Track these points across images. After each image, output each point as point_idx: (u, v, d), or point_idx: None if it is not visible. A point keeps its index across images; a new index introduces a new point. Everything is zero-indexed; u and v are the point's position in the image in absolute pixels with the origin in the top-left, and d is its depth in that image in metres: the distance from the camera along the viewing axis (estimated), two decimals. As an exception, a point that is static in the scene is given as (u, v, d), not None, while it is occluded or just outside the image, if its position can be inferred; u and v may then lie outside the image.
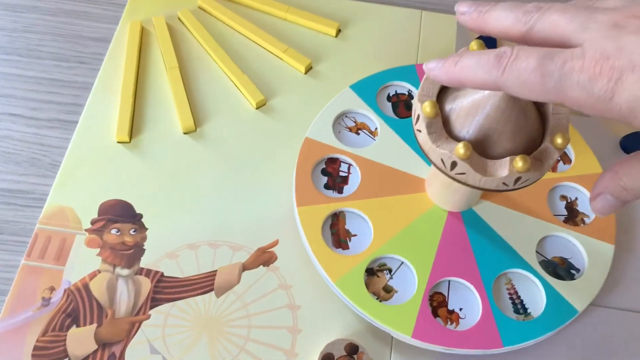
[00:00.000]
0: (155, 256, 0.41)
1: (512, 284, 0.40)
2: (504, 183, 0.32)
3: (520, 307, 0.39)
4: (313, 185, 0.43)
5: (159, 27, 0.52)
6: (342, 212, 0.42)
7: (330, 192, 0.43)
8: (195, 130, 0.47)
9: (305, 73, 0.50)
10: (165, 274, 0.41)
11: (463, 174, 0.32)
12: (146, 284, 0.40)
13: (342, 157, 0.44)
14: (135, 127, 0.47)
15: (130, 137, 0.47)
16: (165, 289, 0.40)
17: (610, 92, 0.24)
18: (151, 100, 0.49)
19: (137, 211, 0.43)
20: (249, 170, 0.45)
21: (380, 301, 0.39)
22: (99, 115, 0.48)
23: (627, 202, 0.30)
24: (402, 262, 0.40)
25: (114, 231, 0.42)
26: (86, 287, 0.40)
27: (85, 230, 0.42)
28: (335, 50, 0.52)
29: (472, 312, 0.39)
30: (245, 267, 0.41)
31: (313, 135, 0.45)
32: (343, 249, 0.41)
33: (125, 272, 0.41)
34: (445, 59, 0.29)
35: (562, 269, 0.41)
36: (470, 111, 0.32)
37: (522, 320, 0.38)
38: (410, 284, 0.40)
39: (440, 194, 0.41)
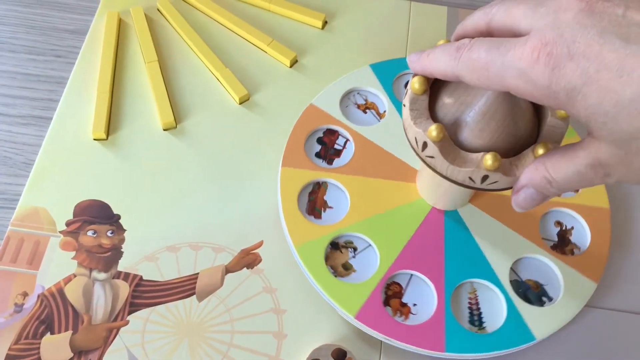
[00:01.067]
0: (133, 259, 0.40)
1: (475, 294, 0.39)
2: (470, 178, 0.31)
3: (476, 319, 0.38)
4: (304, 149, 0.42)
5: (137, 19, 0.50)
6: (325, 182, 0.42)
7: (319, 161, 0.43)
8: (176, 127, 0.46)
9: (291, 67, 0.49)
10: (145, 278, 0.39)
11: (432, 157, 0.31)
12: (124, 289, 0.39)
13: (341, 130, 0.44)
14: (112, 123, 0.45)
15: (107, 134, 0.45)
16: (145, 294, 0.39)
17: (547, 80, 0.24)
18: (129, 95, 0.47)
19: (115, 212, 0.42)
20: (232, 169, 0.44)
21: (335, 276, 0.38)
22: (74, 112, 0.46)
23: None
24: (370, 245, 0.39)
25: (90, 233, 0.40)
26: (61, 292, 0.38)
27: (60, 232, 0.40)
28: (322, 43, 0.50)
29: (425, 311, 0.37)
30: (228, 270, 0.40)
31: (319, 103, 0.44)
32: (315, 218, 0.40)
33: (102, 276, 0.39)
34: (424, 51, 0.30)
35: (533, 293, 0.39)
36: (460, 98, 0.31)
37: (474, 332, 0.37)
38: (371, 268, 0.38)
39: (426, 186, 0.40)
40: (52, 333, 0.37)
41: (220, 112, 0.46)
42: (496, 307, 0.38)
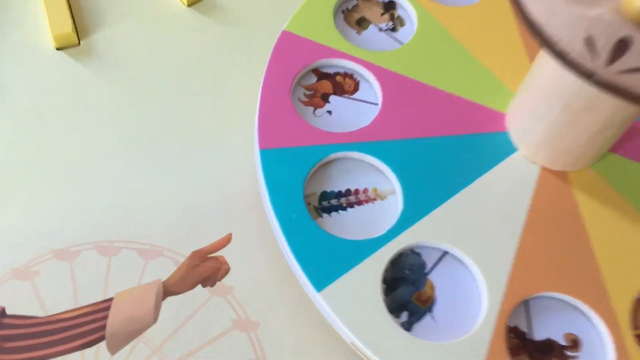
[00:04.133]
0: (-11, 276, 0.25)
1: None
2: None
3: None
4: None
5: None
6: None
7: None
8: (79, 44, 0.33)
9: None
10: (8, 311, 0.24)
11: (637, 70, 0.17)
12: (-31, 333, 0.23)
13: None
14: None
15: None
16: (9, 341, 0.23)
17: None
18: (-2, -6, 0.33)
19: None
20: (174, 114, 0.30)
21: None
22: None
23: None
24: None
25: None
26: None
27: None
28: None
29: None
30: (168, 290, 0.25)
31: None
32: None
33: None
34: None
35: None
36: None
37: None
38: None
39: (540, 133, 0.24)
40: None
41: (154, 20, 0.33)
42: None
